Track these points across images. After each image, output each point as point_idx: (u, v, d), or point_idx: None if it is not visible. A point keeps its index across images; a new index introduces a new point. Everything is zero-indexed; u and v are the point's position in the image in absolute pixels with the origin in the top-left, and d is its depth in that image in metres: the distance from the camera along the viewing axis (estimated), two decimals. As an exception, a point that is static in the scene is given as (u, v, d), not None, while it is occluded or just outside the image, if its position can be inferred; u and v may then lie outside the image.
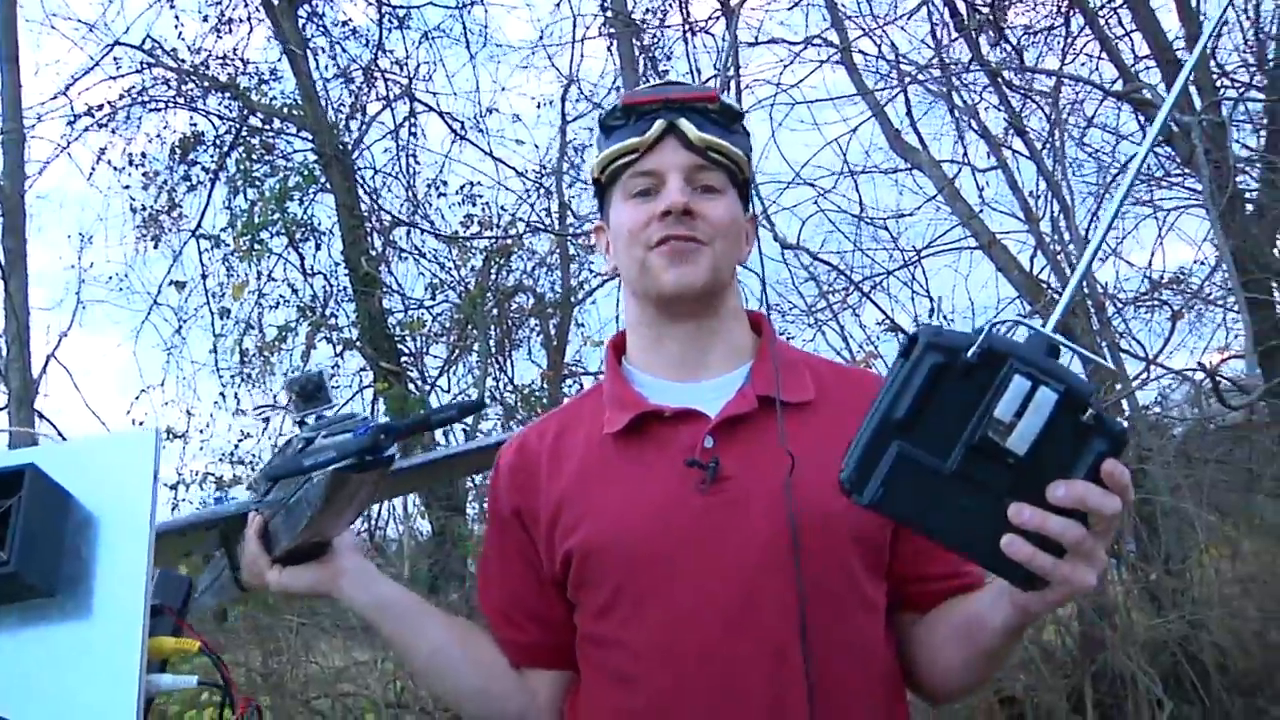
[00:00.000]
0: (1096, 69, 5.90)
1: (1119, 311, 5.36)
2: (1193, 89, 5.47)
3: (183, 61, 6.72)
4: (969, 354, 0.90)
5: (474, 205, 6.50)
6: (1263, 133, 5.62)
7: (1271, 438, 5.30)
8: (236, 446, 5.93)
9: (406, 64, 6.66)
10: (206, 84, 6.54)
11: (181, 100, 6.74)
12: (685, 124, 1.27)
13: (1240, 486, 5.54)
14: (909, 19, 5.78)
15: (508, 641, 1.37)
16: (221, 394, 5.92)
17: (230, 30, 6.38)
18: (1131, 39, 5.60)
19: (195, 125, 6.72)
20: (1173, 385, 5.52)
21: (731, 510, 1.20)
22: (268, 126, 6.44)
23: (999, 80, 5.20)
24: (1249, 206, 5.36)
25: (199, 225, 6.65)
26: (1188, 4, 5.66)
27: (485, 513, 1.50)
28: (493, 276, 6.58)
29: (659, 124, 1.27)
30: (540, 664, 1.35)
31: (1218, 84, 5.62)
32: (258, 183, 6.08)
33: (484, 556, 1.42)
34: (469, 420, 6.66)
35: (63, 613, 0.87)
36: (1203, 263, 5.77)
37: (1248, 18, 5.83)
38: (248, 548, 1.35)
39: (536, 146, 6.99)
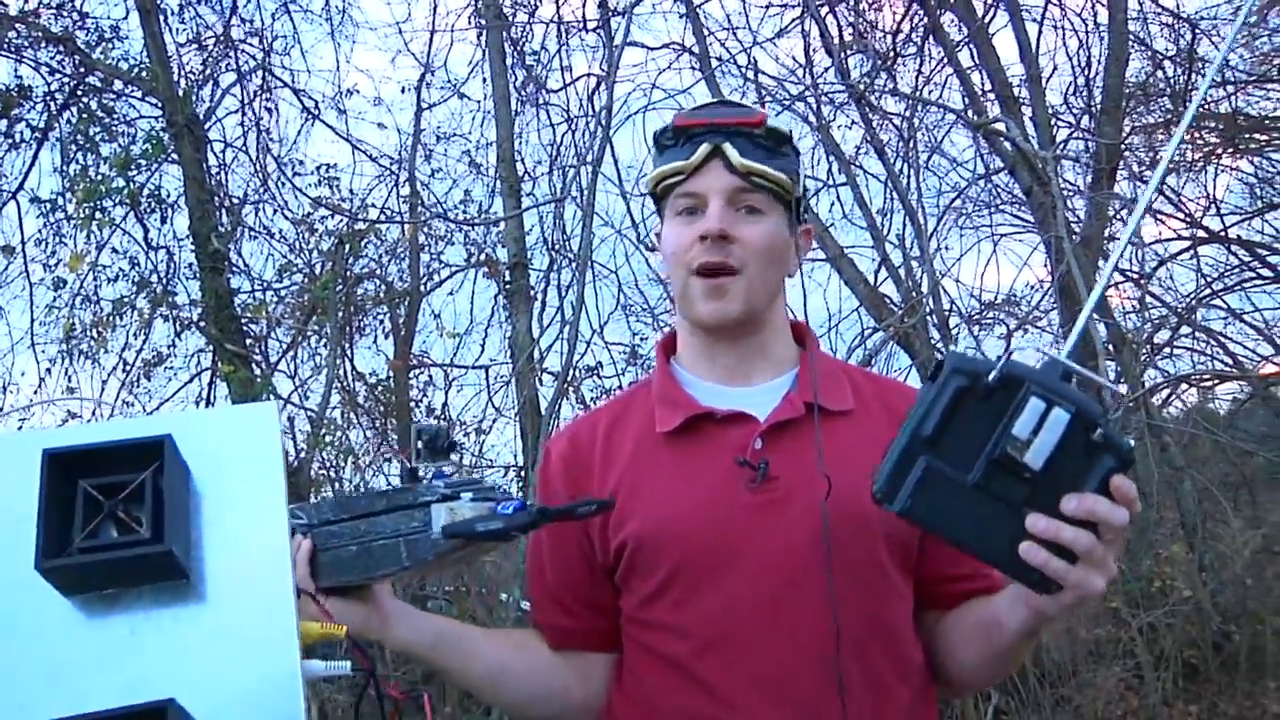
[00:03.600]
0: (945, 97, 6.28)
1: (963, 325, 5.69)
2: (1030, 125, 5.91)
3: (5, 5, 6.18)
4: (990, 377, 0.99)
5: (330, 187, 6.27)
6: (1088, 170, 6.13)
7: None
8: (64, 424, 5.49)
9: (263, 35, 6.36)
10: (37, 34, 6.03)
11: (4, 48, 6.18)
12: (729, 149, 1.31)
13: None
14: (778, 38, 5.97)
15: (556, 626, 1.41)
16: (48, 370, 5.48)
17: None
18: (980, 72, 5.97)
19: (20, 78, 6.19)
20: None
21: (778, 508, 1.27)
22: (108, 88, 6.00)
23: (862, 100, 5.44)
24: (1075, 236, 5.81)
25: (20, 187, 6.13)
26: (1028, 46, 6.10)
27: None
28: (345, 261, 6.37)
29: (704, 148, 1.32)
30: (594, 648, 1.40)
31: (1052, 123, 6.08)
32: (95, 147, 5.66)
33: (535, 544, 1.45)
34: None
35: (199, 596, 0.82)
36: (1033, 286, 6.22)
37: (1079, 65, 6.34)
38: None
39: (399, 131, 6.79)
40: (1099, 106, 6.09)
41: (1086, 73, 6.32)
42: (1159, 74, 6.36)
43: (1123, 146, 5.94)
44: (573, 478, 1.38)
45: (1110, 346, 5.61)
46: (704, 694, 1.25)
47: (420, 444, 1.18)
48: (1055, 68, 6.48)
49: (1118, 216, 5.63)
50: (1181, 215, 6.29)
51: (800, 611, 1.24)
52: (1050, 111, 6.13)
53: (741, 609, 1.25)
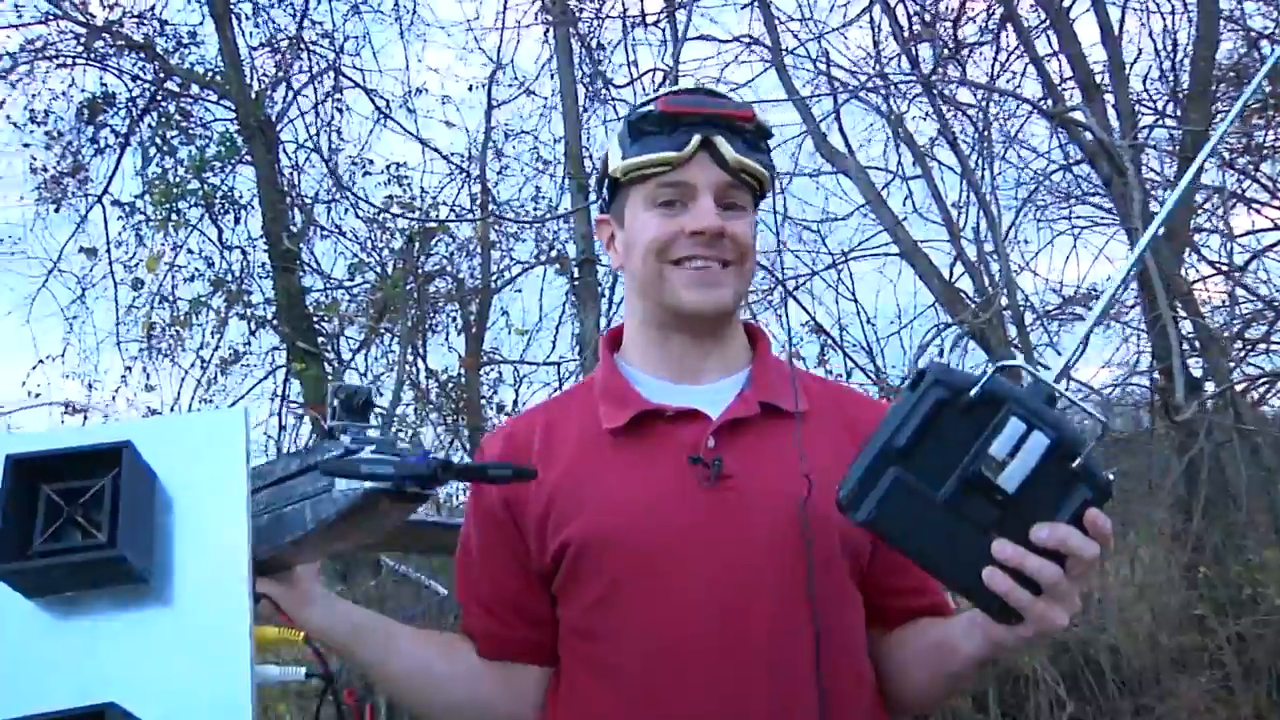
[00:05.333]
0: (1020, 86, 6.10)
1: (1040, 322, 5.53)
2: (1113, 114, 5.70)
3: (92, 16, 6.40)
4: (972, 393, 0.96)
5: (400, 186, 6.35)
6: (1172, 159, 5.89)
7: (1169, 450, 5.55)
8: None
9: (334, 36, 6.47)
10: (120, 42, 6.22)
11: (90, 57, 6.40)
12: (722, 142, 1.27)
13: (1139, 496, 5.78)
14: (846, 28, 5.86)
15: (488, 634, 1.34)
16: (128, 368, 5.65)
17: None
18: (1059, 59, 5.79)
19: (105, 86, 6.40)
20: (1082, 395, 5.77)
21: (733, 508, 1.22)
22: (185, 92, 6.16)
23: (933, 91, 5.31)
24: (1161, 230, 5.60)
25: (105, 190, 6.34)
26: (1111, 31, 5.89)
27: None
28: (416, 259, 6.45)
29: (696, 139, 1.27)
30: (526, 659, 1.33)
31: (1136, 110, 5.86)
32: (173, 150, 5.82)
33: (465, 548, 1.39)
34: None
35: (159, 599, 0.81)
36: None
37: (1164, 49, 6.10)
38: None
39: (466, 130, 6.85)
40: (1185, 92, 5.84)
41: (1173, 57, 6.07)
42: (1254, 54, 6.07)
43: (1210, 133, 5.69)
44: None
45: (1195, 343, 5.39)
46: (653, 708, 1.19)
47: (337, 403, 1.13)
48: (1140, 52, 6.25)
49: (1203, 207, 5.40)
50: (1278, 204, 5.99)
51: (756, 616, 1.19)
52: (1134, 99, 5.91)
53: (695, 614, 1.19)
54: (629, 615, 1.21)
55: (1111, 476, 0.99)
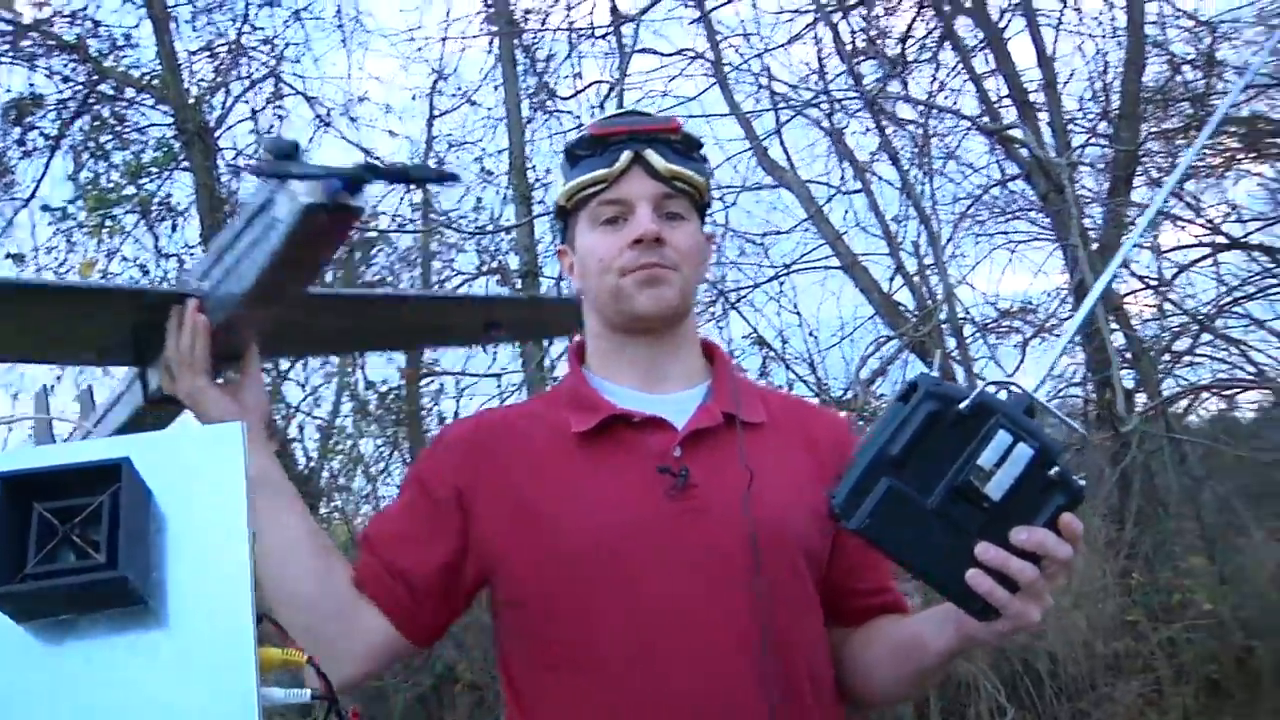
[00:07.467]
0: (957, 103, 6.23)
1: (979, 333, 5.63)
2: (1047, 131, 5.85)
3: (19, 15, 6.21)
4: (963, 405, 1.01)
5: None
6: (1106, 176, 6.06)
7: (1103, 460, 5.69)
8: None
9: (274, 42, 6.37)
10: (50, 42, 6.05)
11: (17, 56, 6.20)
12: (652, 154, 1.32)
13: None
14: (791, 44, 5.94)
15: (370, 578, 1.32)
16: (58, 377, 5.47)
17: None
18: (996, 77, 5.92)
19: (34, 86, 6.21)
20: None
21: (697, 517, 1.25)
22: (120, 96, 6.01)
23: (875, 107, 5.40)
24: (1093, 243, 5.74)
25: (33, 195, 6.14)
26: (1044, 52, 6.04)
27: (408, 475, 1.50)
28: (356, 269, 6.37)
29: (626, 154, 1.31)
30: (392, 617, 1.31)
31: (1068, 128, 6.02)
32: (106, 155, 5.67)
33: (390, 513, 1.41)
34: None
35: (159, 622, 0.78)
36: (1050, 293, 6.15)
37: (1096, 70, 6.28)
38: (182, 336, 1.39)
39: (409, 139, 6.79)
40: (1116, 112, 6.02)
41: (1104, 78, 6.25)
42: (1177, 79, 6.28)
43: (1140, 152, 5.87)
44: (470, 465, 1.32)
45: (1128, 355, 5.54)
46: (627, 707, 1.20)
47: (264, 153, 1.23)
48: (1072, 73, 6.42)
49: (1134, 223, 5.56)
50: (1201, 221, 6.20)
51: (718, 627, 1.21)
52: (1067, 117, 6.07)
53: (658, 620, 1.21)
54: (593, 619, 1.23)
55: (1083, 483, 1.04)
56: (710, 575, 1.22)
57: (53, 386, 4.34)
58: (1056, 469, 1.01)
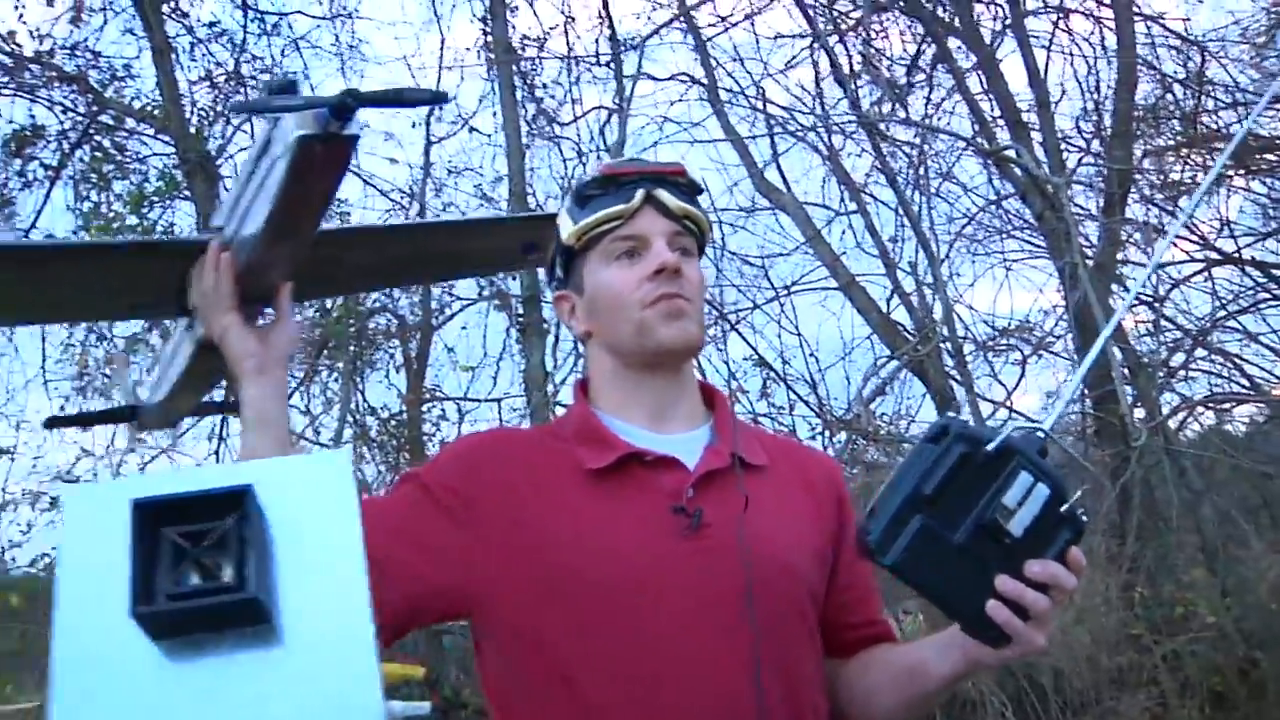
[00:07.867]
0: (950, 124, 6.32)
1: (978, 352, 5.69)
2: (1041, 151, 5.93)
3: (20, 47, 6.24)
4: (990, 447, 1.07)
5: (341, 222, 6.28)
6: (1099, 195, 6.14)
7: (1103, 476, 5.74)
8: (75, 463, 5.50)
9: (273, 71, 6.39)
10: (51, 74, 6.07)
11: (17, 88, 6.22)
12: (664, 193, 1.35)
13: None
14: (788, 70, 6.01)
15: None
16: (62, 408, 5.47)
17: (85, 21, 5.94)
18: (989, 98, 6.00)
19: (34, 117, 6.23)
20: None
21: (710, 556, 1.26)
22: (120, 126, 6.03)
23: (872, 130, 5.46)
24: (1089, 261, 5.82)
25: (33, 225, 6.15)
26: (1037, 72, 6.14)
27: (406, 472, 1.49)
28: (357, 296, 6.38)
29: (640, 193, 1.34)
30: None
31: (1061, 148, 6.10)
32: (108, 185, 5.69)
33: (383, 505, 1.35)
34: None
35: (282, 639, 0.80)
36: (1046, 311, 6.22)
37: (1088, 89, 6.38)
38: (205, 277, 1.46)
39: (410, 166, 6.83)
40: (1109, 131, 6.10)
41: (1096, 97, 6.35)
42: (1168, 97, 6.38)
43: (1134, 171, 5.95)
44: (485, 478, 1.30)
45: (1126, 371, 5.60)
46: None
47: (262, 90, 1.29)
48: (1064, 93, 6.51)
49: (1130, 240, 5.64)
50: (1195, 237, 6.28)
51: (726, 666, 1.22)
52: (1060, 137, 6.16)
53: (669, 655, 1.22)
54: (604, 652, 1.22)
55: (1086, 518, 1.12)
56: (720, 615, 1.24)
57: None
58: (1066, 507, 1.08)
